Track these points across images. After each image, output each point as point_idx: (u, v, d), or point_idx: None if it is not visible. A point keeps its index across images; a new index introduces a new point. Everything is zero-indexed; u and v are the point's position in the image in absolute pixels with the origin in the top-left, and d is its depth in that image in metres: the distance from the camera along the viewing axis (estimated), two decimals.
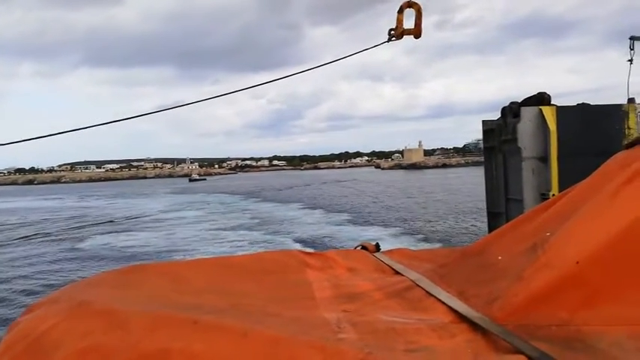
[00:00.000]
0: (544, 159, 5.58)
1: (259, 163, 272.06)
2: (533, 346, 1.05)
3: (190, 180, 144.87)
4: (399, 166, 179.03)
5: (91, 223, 40.10)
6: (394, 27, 3.79)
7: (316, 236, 28.84)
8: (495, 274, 1.42)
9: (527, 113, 5.67)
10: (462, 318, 1.26)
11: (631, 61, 5.78)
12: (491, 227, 6.37)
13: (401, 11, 3.79)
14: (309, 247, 25.27)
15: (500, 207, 6.31)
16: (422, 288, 1.51)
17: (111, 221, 41.06)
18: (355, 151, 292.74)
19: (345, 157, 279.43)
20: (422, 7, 3.79)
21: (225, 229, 33.87)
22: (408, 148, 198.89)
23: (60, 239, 31.34)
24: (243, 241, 28.48)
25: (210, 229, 34.04)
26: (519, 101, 6.05)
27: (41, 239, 31.88)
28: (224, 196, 66.87)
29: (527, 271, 1.28)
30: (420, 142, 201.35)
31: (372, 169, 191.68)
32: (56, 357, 0.99)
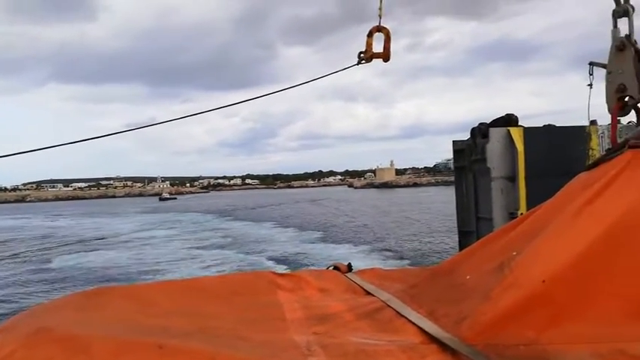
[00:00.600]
0: (512, 179, 5.68)
1: (232, 182, 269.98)
2: None
3: (160, 199, 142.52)
4: (372, 185, 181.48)
5: (59, 243, 38.93)
6: (364, 50, 3.86)
7: (288, 254, 28.87)
8: (464, 294, 1.42)
9: (496, 134, 5.80)
10: (431, 339, 1.25)
11: (590, 85, 6.02)
12: (462, 245, 6.42)
13: (370, 35, 3.87)
14: (281, 264, 25.23)
15: (471, 226, 6.39)
16: (392, 308, 1.50)
17: (80, 241, 39.93)
18: (328, 170, 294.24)
19: (318, 175, 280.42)
20: (390, 31, 3.89)
21: (197, 248, 33.47)
22: (380, 167, 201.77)
23: (27, 260, 30.38)
24: (215, 260, 28.17)
25: (182, 249, 33.55)
26: (488, 122, 6.20)
27: (7, 260, 30.70)
28: (196, 215, 66.17)
29: (495, 291, 1.29)
30: (391, 162, 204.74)
31: (345, 187, 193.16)
32: None
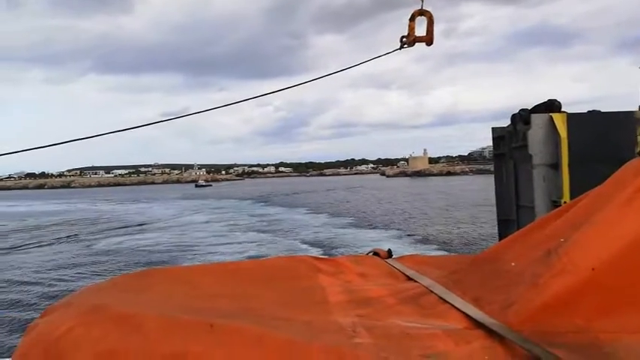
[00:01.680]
0: (555, 166, 5.53)
1: (266, 169, 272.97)
2: (550, 352, 1.04)
3: (196, 186, 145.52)
4: (404, 174, 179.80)
5: (107, 227, 40.55)
6: (406, 34, 3.80)
7: (323, 238, 29.33)
8: (510, 281, 1.40)
9: (538, 120, 5.64)
10: (476, 324, 1.24)
11: None
12: (502, 234, 6.29)
13: (412, 19, 3.81)
14: (315, 248, 25.66)
15: (511, 214, 6.25)
16: (435, 294, 1.49)
17: (125, 225, 41.55)
18: (361, 158, 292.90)
19: (350, 164, 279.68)
20: (433, 14, 3.80)
21: (234, 232, 34.44)
22: (413, 155, 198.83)
23: (78, 241, 31.93)
24: (252, 242, 28.91)
25: (220, 232, 34.53)
26: (529, 108, 6.04)
27: (62, 241, 32.39)
28: (233, 202, 67.37)
29: (543, 278, 1.27)
30: (424, 150, 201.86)
31: (378, 176, 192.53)
32: None
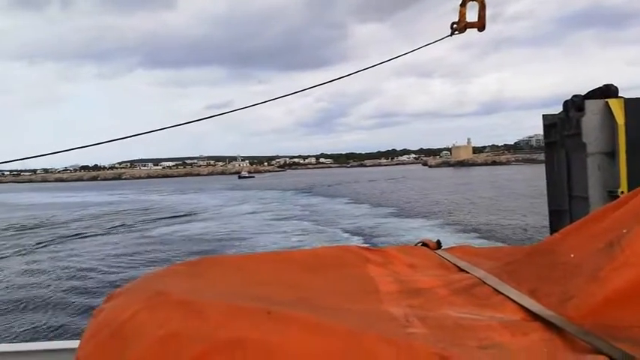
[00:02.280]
0: (611, 154, 5.27)
1: (306, 160, 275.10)
2: (614, 346, 1.01)
3: (240, 177, 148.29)
4: (447, 164, 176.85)
5: (159, 216, 42.54)
6: (457, 20, 3.76)
7: (364, 227, 29.72)
8: (568, 273, 1.35)
9: (592, 106, 5.39)
10: (534, 316, 1.21)
11: None
12: (554, 225, 6.09)
13: (463, 4, 3.76)
14: (357, 236, 25.96)
15: (564, 204, 6.02)
16: (489, 285, 1.45)
17: (176, 214, 43.43)
18: (402, 148, 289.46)
19: (392, 154, 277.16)
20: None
21: (278, 220, 35.57)
22: (456, 145, 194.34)
23: (133, 229, 33.73)
24: (296, 230, 29.86)
25: (266, 220, 35.70)
26: (582, 94, 5.78)
27: (119, 229, 34.48)
28: (276, 192, 68.76)
29: (605, 270, 1.22)
30: (468, 140, 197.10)
31: (419, 166, 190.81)
32: (138, 343, 1.04)
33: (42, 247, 27.50)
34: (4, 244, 28.39)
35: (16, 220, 41.09)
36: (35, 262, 22.97)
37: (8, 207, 57.53)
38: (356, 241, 23.94)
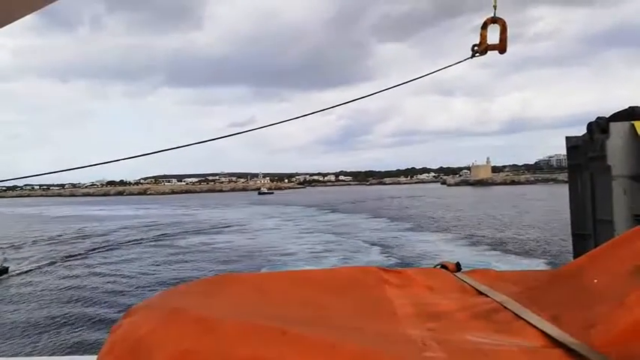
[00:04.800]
0: (637, 178, 5.20)
1: (326, 178, 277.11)
2: None
3: (259, 193, 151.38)
4: (466, 182, 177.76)
5: (186, 229, 46.46)
6: (478, 42, 3.81)
7: (382, 238, 33.42)
8: (593, 299, 1.25)
9: (618, 129, 5.33)
10: (556, 343, 1.14)
11: None
12: (577, 249, 6.01)
13: (485, 27, 3.80)
14: (375, 247, 29.71)
15: (587, 229, 5.90)
16: (510, 310, 1.38)
17: (203, 228, 47.21)
18: (422, 166, 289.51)
19: (411, 172, 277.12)
20: (507, 22, 3.79)
21: (301, 233, 39.23)
22: (475, 164, 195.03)
23: (163, 243, 37.46)
24: (319, 242, 33.39)
25: (289, 234, 39.46)
26: (607, 116, 5.67)
27: (151, 241, 38.52)
28: (297, 208, 72.29)
29: (631, 297, 1.11)
30: (487, 159, 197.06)
31: (438, 185, 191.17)
32: (155, 359, 1.03)
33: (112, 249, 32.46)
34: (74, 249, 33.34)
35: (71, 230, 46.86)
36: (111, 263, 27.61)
37: (83, 218, 64.18)
38: (378, 253, 27.02)
